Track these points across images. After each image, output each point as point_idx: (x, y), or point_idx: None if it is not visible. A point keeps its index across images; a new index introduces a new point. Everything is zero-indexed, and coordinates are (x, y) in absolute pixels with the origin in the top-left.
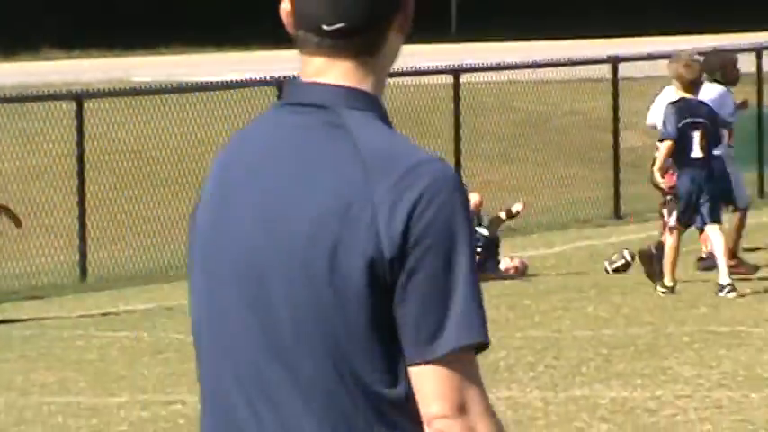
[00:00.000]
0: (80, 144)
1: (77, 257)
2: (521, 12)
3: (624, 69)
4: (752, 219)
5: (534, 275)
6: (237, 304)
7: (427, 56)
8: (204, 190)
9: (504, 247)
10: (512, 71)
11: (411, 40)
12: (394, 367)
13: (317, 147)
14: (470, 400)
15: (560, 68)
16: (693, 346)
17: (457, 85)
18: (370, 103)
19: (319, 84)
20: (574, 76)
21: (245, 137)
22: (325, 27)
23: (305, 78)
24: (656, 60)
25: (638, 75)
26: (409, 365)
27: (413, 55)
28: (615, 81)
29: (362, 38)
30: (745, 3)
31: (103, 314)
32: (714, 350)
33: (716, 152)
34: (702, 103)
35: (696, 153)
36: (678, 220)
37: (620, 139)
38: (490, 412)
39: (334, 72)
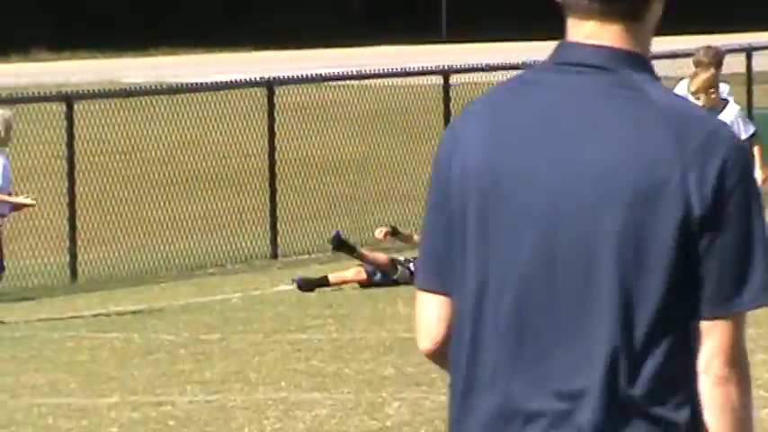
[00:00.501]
0: (70, 145)
1: (68, 259)
2: (510, 13)
3: None
4: None
5: None
6: (533, 250)
7: (417, 57)
8: (463, 153)
9: None
10: (501, 72)
11: (401, 41)
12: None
13: (617, 107)
14: (743, 356)
15: None
16: None
17: (447, 87)
18: (650, 66)
19: (601, 46)
20: None
21: (514, 98)
22: None
23: (577, 39)
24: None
25: None
26: (702, 319)
27: (403, 56)
28: None
29: (630, 3)
30: (734, 2)
31: (94, 315)
32: None
33: None
34: None
35: None
36: None
37: None
38: (749, 365)
39: (608, 35)
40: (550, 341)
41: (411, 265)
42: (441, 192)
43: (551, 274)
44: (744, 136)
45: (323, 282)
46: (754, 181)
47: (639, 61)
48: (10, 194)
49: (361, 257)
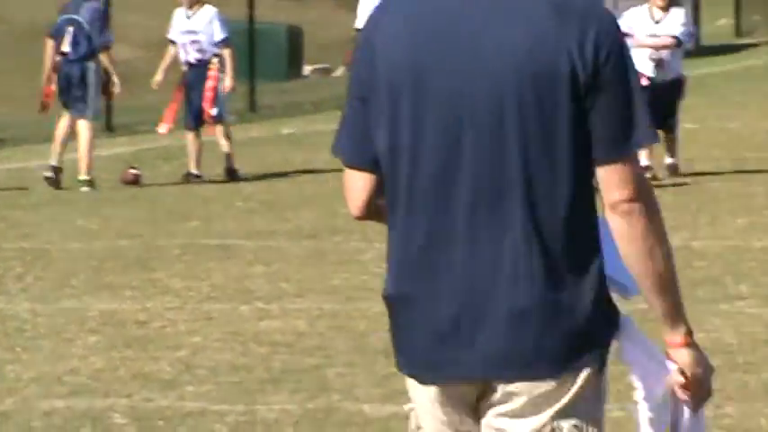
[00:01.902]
0: None
1: None
2: None
3: None
4: (242, 133)
5: (25, 189)
6: (443, 131)
7: None
8: (381, 35)
9: None
10: None
11: None
12: (582, 169)
13: None
14: (646, 189)
15: None
16: (183, 258)
17: None
18: None
19: None
20: None
21: None
22: None
23: None
24: None
25: None
26: (599, 163)
27: None
28: None
29: None
30: None
31: None
32: (204, 263)
33: None
34: None
35: None
36: None
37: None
38: (657, 200)
39: None
40: (465, 213)
41: None
42: (362, 81)
43: (461, 150)
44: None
45: None
46: (625, 43)
47: None
48: None
49: None
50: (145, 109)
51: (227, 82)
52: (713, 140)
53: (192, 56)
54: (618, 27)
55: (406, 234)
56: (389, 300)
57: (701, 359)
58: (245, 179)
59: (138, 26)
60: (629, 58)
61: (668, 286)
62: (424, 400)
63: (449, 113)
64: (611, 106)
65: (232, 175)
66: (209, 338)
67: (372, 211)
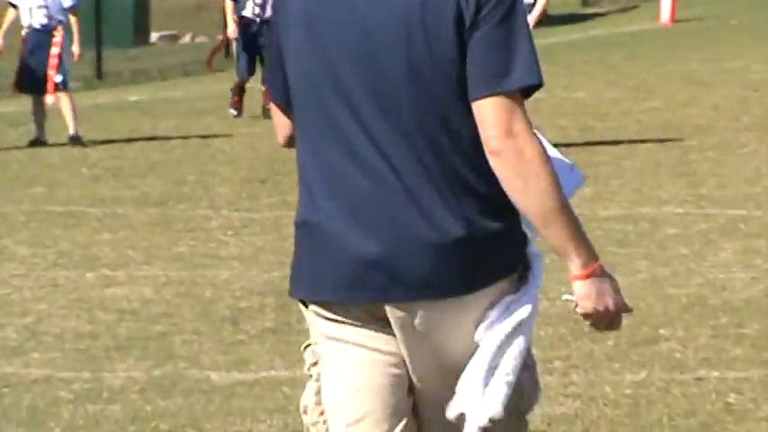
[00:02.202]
0: None
1: None
2: None
3: None
4: (88, 100)
5: None
6: (348, 70)
7: None
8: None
9: None
10: None
11: None
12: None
13: None
14: (521, 128)
15: None
16: (29, 225)
17: None
18: None
19: None
20: None
21: None
22: None
23: None
24: None
25: None
26: (476, 99)
27: None
28: None
29: None
30: None
31: None
32: (50, 230)
33: None
34: None
35: None
36: None
37: None
38: (535, 137)
39: None
40: (365, 144)
41: None
42: (276, 26)
43: (356, 84)
44: None
45: None
46: None
47: None
48: None
49: None
50: None
51: (75, 48)
52: (559, 110)
53: (38, 21)
54: None
55: (308, 167)
56: (313, 226)
57: (594, 293)
58: (91, 145)
59: None
60: (517, 3)
61: (553, 220)
62: (336, 328)
63: (349, 56)
64: (490, 43)
65: (76, 142)
66: (54, 305)
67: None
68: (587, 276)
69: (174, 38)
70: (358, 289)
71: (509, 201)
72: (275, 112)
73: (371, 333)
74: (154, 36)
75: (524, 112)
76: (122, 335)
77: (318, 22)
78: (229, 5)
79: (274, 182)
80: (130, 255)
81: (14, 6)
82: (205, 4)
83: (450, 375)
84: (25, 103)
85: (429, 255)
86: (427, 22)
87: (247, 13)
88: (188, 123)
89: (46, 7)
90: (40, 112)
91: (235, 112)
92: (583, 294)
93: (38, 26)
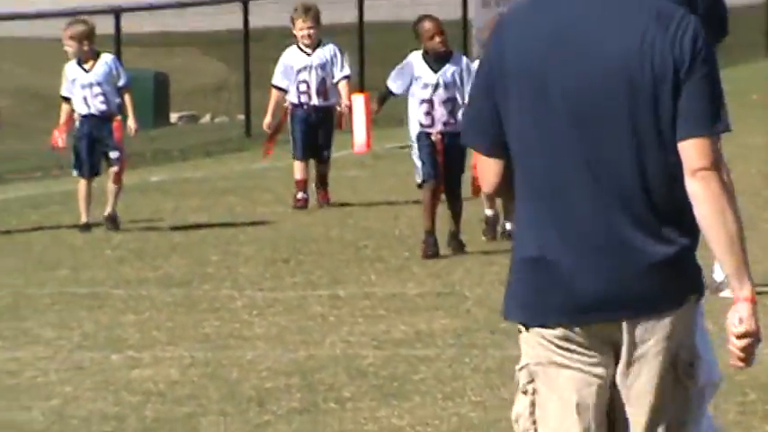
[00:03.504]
0: None
1: None
2: None
3: None
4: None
5: None
6: (565, 122)
7: None
8: (511, 39)
9: None
10: None
11: None
12: (672, 154)
13: (616, 6)
14: (720, 163)
15: None
16: (54, 307)
17: None
18: None
19: None
20: None
21: (547, 4)
22: None
23: None
24: None
25: None
26: (686, 137)
27: None
28: None
29: None
30: None
31: None
32: (75, 312)
33: None
34: None
35: None
36: None
37: None
38: (724, 172)
39: None
40: (578, 194)
41: None
42: (492, 80)
43: (582, 136)
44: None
45: None
46: (711, 44)
47: None
48: None
49: None
50: (13, 157)
51: (131, 123)
52: None
53: (96, 108)
54: (701, 27)
55: (537, 209)
56: (526, 261)
57: (754, 316)
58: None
59: (6, 74)
60: (713, 53)
61: (736, 245)
62: (558, 352)
63: (571, 107)
64: (701, 91)
65: (112, 223)
66: (80, 388)
67: (504, 190)
68: (753, 300)
69: (194, 118)
70: (582, 311)
71: (695, 226)
72: (482, 162)
73: (588, 357)
74: (174, 116)
75: (720, 149)
76: (149, 417)
77: (537, 77)
78: (274, 94)
79: (297, 261)
80: (155, 336)
81: (67, 99)
82: (225, 85)
83: (657, 393)
84: (48, 185)
85: (645, 277)
86: (654, 63)
87: (293, 98)
88: (210, 203)
89: (103, 93)
90: (89, 196)
91: (302, 195)
92: (747, 315)
93: (96, 113)
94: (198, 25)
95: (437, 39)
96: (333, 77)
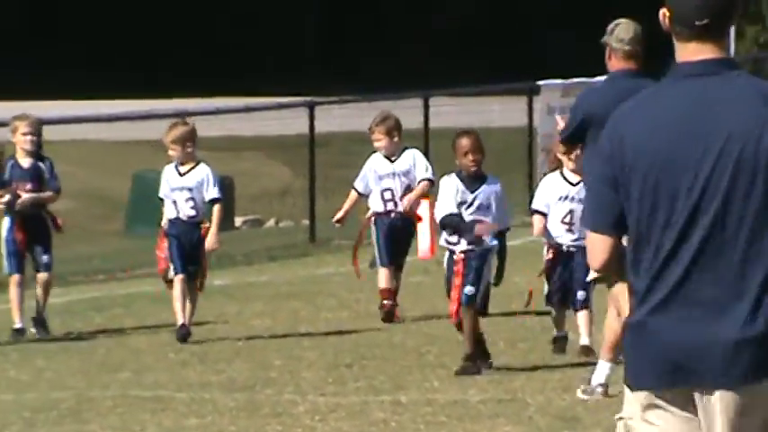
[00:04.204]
0: None
1: None
2: None
3: None
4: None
5: None
6: (690, 205)
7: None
8: (631, 128)
9: None
10: None
11: None
12: None
13: (735, 94)
14: None
15: None
16: (117, 410)
17: None
18: (738, 65)
19: (707, 59)
20: None
21: (663, 99)
22: (696, 23)
23: (688, 58)
24: None
25: None
26: None
27: None
28: None
29: (720, 27)
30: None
31: None
32: (138, 415)
33: None
34: None
35: None
36: None
37: None
38: None
39: (707, 50)
40: (705, 281)
41: None
42: (612, 166)
43: (701, 215)
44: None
45: None
46: None
47: (733, 63)
48: None
49: None
50: (77, 259)
51: (210, 243)
52: None
53: (185, 213)
54: None
55: (655, 279)
56: (643, 326)
57: None
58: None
59: (70, 177)
60: None
61: None
62: (651, 412)
63: (691, 189)
64: None
65: (184, 333)
66: None
67: (612, 267)
68: None
69: (259, 222)
70: (670, 377)
71: None
72: (592, 239)
73: (675, 416)
74: (238, 221)
75: None
76: None
77: (660, 164)
78: (351, 197)
79: (360, 366)
80: None
81: (161, 200)
82: (289, 189)
83: None
84: (112, 287)
85: (735, 347)
86: (761, 160)
87: (376, 207)
88: (273, 308)
89: (193, 199)
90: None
91: (389, 303)
92: None
93: (185, 218)
94: (264, 129)
95: (470, 156)
96: (416, 181)
